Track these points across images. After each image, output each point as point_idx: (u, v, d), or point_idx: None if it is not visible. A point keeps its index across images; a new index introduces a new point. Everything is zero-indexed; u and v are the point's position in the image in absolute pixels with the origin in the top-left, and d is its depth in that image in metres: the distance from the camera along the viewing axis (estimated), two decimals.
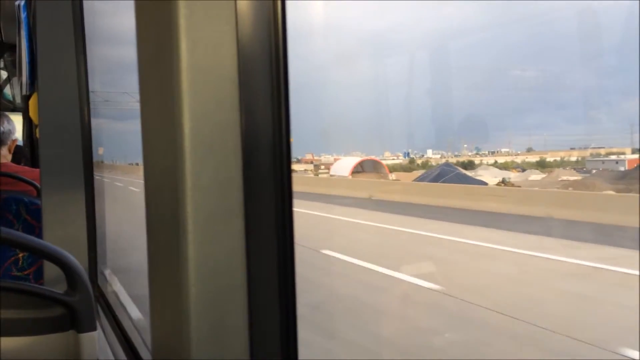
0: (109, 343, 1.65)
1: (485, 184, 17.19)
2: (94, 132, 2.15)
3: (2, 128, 2.63)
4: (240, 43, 0.74)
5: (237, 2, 0.73)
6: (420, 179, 20.68)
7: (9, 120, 2.70)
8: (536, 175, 18.29)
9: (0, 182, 2.43)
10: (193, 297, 0.72)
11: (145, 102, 0.81)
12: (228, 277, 0.75)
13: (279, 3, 0.75)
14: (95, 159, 2.18)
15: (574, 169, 17.18)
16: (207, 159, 0.73)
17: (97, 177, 2.21)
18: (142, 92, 0.81)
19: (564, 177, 15.74)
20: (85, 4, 2.05)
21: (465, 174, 19.80)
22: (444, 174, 19.25)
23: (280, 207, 0.77)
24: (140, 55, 0.81)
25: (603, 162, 15.84)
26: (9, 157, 2.69)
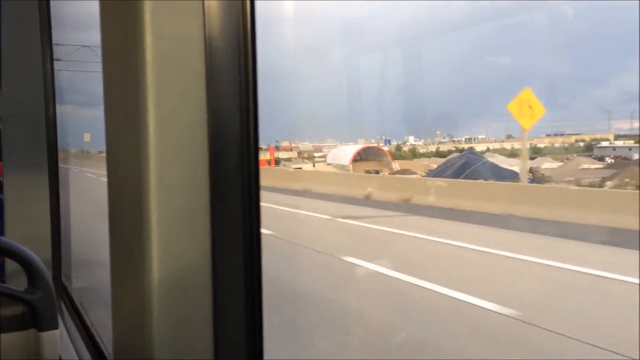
0: (72, 341, 1.63)
1: (517, 175, 14.16)
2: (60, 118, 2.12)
3: None
4: (208, 39, 0.73)
5: None
6: (442, 169, 17.17)
7: None
8: (549, 164, 16.01)
9: None
10: (156, 296, 0.71)
11: (110, 98, 0.79)
12: (193, 277, 0.74)
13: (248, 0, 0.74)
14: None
15: (582, 156, 15.73)
16: (172, 157, 0.72)
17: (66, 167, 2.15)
18: (106, 87, 0.80)
19: (586, 166, 14.19)
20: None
21: (495, 164, 16.10)
22: (471, 164, 15.82)
23: (247, 207, 0.76)
24: (104, 50, 0.79)
25: (614, 149, 14.83)
26: None
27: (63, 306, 1.93)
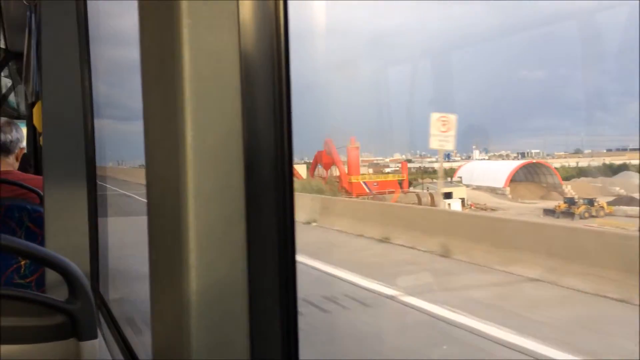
0: (110, 351, 1.65)
1: None
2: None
3: (10, 136, 2.61)
4: (243, 52, 0.74)
5: (240, 12, 0.74)
6: None
7: (18, 129, 2.69)
8: None
9: (3, 190, 2.43)
10: (194, 303, 0.73)
11: (149, 111, 0.81)
12: (229, 284, 0.75)
13: (282, 12, 0.75)
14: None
15: None
16: (209, 167, 0.73)
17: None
18: (145, 101, 0.81)
19: None
20: (90, 11, 2.06)
21: None
22: None
23: (282, 215, 0.77)
24: (143, 63, 0.81)
25: None
26: (16, 165, 2.69)
27: (101, 317, 1.96)
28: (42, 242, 2.04)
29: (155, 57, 0.78)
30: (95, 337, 1.09)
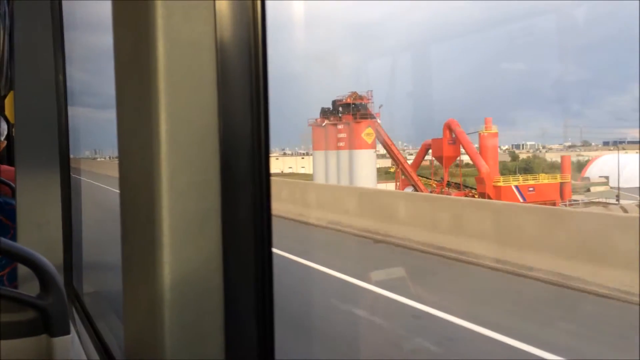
0: (83, 347, 1.63)
1: None
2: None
3: None
4: (220, 44, 0.73)
5: (217, 2, 0.72)
6: None
7: (0, 121, 2.63)
8: None
9: None
10: (168, 299, 0.71)
11: (122, 103, 0.79)
12: (204, 280, 0.74)
13: (259, 4, 0.74)
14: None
15: None
16: (183, 161, 0.72)
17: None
18: (119, 92, 0.80)
19: None
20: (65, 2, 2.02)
21: None
22: None
23: (259, 210, 0.75)
24: (117, 54, 0.79)
25: None
26: None
27: (74, 311, 1.94)
28: (14, 236, 2.00)
29: (129, 47, 0.76)
30: (67, 332, 1.07)
